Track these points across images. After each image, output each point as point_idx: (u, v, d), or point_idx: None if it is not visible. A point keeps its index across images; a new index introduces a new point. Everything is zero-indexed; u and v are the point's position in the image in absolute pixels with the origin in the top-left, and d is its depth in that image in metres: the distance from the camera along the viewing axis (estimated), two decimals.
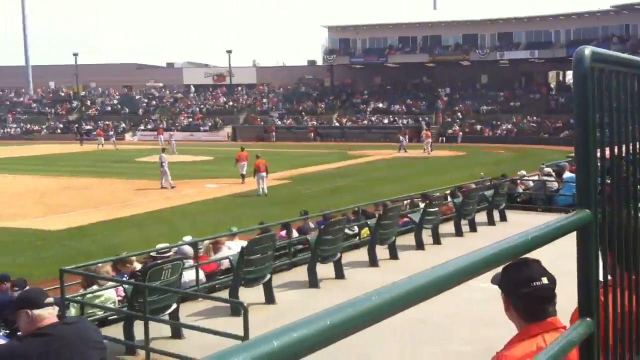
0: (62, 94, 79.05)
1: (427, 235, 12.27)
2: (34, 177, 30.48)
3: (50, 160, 39.67)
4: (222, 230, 15.53)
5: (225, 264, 9.89)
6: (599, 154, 1.96)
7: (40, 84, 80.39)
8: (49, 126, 70.06)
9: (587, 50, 1.85)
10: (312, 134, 60.96)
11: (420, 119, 59.81)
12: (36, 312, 3.42)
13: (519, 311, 2.34)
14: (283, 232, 11.93)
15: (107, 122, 67.48)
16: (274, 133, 61.51)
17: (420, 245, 11.91)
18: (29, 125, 70.43)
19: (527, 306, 2.32)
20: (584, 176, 1.93)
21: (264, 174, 24.55)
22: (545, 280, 2.31)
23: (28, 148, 50.88)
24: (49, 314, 3.46)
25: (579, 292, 1.89)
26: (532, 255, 1.82)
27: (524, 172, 18.17)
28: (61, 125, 69.87)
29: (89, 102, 75.56)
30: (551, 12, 61.77)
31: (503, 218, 14.35)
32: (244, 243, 10.42)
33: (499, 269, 2.18)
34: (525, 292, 2.29)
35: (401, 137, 46.96)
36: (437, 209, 12.81)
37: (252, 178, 25.12)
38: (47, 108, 75.16)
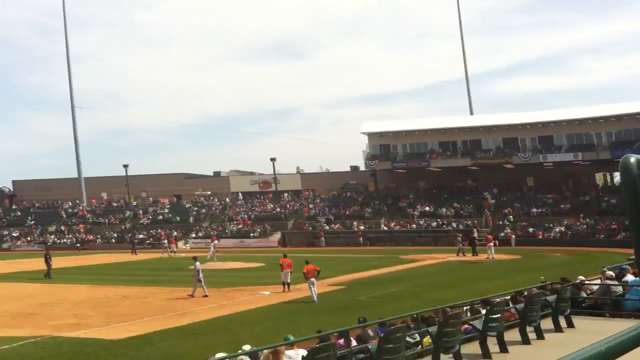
0: (115, 205, 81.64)
1: (492, 344, 12.02)
2: (92, 286, 31.09)
3: (107, 270, 40.53)
4: (279, 338, 15.54)
5: None
6: None
7: (93, 195, 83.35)
8: (103, 236, 71.97)
9: (632, 158, 1.91)
10: (361, 239, 61.09)
11: (470, 222, 59.52)
12: None
13: None
14: (341, 341, 11.85)
15: (159, 230, 69.17)
16: (323, 238, 61.86)
17: (486, 354, 11.62)
18: (84, 236, 72.47)
19: None
20: None
21: (313, 279, 24.45)
22: None
23: (84, 258, 52.13)
24: None
25: None
26: None
27: (582, 278, 17.82)
28: (115, 235, 71.72)
29: (140, 212, 77.69)
30: (590, 114, 61.79)
31: (570, 324, 13.97)
32: (304, 352, 10.43)
33: None
34: None
35: (459, 239, 46.73)
36: (499, 315, 12.58)
37: (302, 285, 25.11)
38: (100, 218, 77.52)
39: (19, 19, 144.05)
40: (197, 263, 26.98)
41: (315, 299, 24.02)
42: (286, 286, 27.06)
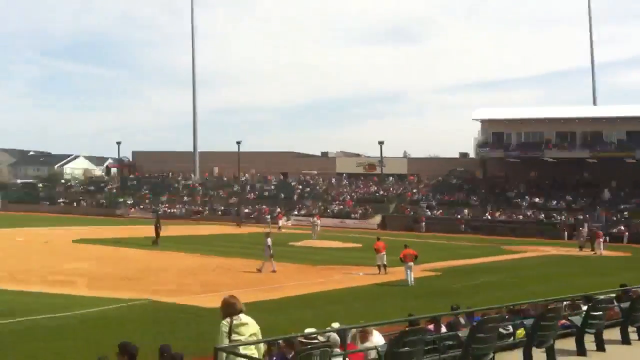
0: (225, 179, 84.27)
1: (589, 341, 11.36)
2: (196, 255, 32.22)
3: (212, 241, 41.79)
4: (367, 318, 15.41)
5: (373, 354, 9.70)
6: None
7: (206, 169, 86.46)
8: (211, 208, 74.60)
9: None
10: (462, 226, 59.80)
11: (581, 216, 56.79)
12: None
13: None
14: (431, 326, 11.58)
15: (264, 206, 70.85)
16: (423, 223, 61.11)
17: (582, 352, 11.00)
18: (193, 207, 75.44)
19: None
20: None
21: (411, 263, 24.10)
22: None
23: (192, 228, 54.18)
24: None
25: None
26: None
27: None
28: (222, 208, 74.14)
29: (248, 187, 79.79)
30: None
31: None
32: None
33: None
34: None
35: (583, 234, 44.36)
36: (601, 312, 11.85)
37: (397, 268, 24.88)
38: (210, 191, 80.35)
39: None
40: (269, 239, 27.31)
41: (411, 283, 23.66)
42: (382, 268, 26.84)
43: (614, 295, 14.82)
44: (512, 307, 13.53)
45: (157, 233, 37.34)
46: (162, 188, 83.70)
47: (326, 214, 65.94)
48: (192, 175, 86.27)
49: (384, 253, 26.88)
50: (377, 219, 65.23)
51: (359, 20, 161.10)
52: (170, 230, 41.92)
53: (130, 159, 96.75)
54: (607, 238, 47.02)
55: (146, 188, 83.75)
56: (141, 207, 76.96)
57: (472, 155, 73.76)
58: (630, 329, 12.27)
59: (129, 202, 78.95)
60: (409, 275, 23.93)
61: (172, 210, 74.56)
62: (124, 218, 70.70)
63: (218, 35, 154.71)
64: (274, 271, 26.42)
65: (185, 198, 78.98)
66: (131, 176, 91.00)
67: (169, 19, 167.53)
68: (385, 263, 26.84)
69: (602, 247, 41.24)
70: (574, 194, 62.63)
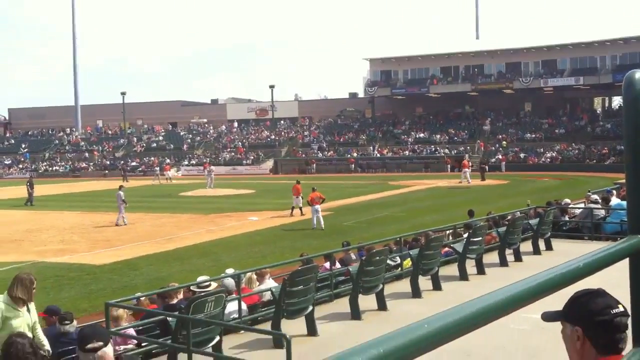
0: (110, 133, 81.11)
1: (470, 266, 12.04)
2: (81, 213, 31.07)
3: (96, 197, 40.42)
4: (263, 262, 15.63)
5: (267, 296, 9.86)
6: None
7: (89, 123, 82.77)
8: (95, 163, 71.82)
9: (638, 74, 1.83)
10: (352, 165, 61.11)
11: (462, 148, 59.43)
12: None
13: (597, 343, 2.02)
14: (327, 264, 11.87)
15: (152, 158, 68.99)
16: (314, 165, 61.86)
17: (464, 276, 11.68)
18: (76, 163, 72.29)
19: (606, 336, 2.01)
20: (636, 201, 1.86)
21: (318, 207, 24.11)
22: (621, 307, 2.03)
23: (75, 185, 52.13)
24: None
25: (633, 319, 1.84)
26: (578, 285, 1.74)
27: (568, 201, 17.80)
28: (108, 163, 71.55)
29: (135, 140, 77.30)
30: (596, 38, 60.68)
31: (549, 247, 14.02)
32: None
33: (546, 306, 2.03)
34: (606, 320, 1.99)
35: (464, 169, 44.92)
36: (480, 238, 12.56)
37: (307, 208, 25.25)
38: (94, 146, 77.18)
39: None
40: (120, 192, 26.69)
41: (317, 225, 23.56)
42: (299, 210, 26.95)
43: (492, 221, 15.73)
44: (399, 239, 14.06)
45: (29, 192, 35.65)
46: (42, 145, 79.54)
47: (217, 162, 65.28)
48: (74, 130, 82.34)
49: (301, 196, 26.89)
50: (270, 164, 65.33)
51: None
52: (53, 188, 39.95)
53: (6, 117, 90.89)
54: (487, 168, 49.50)
55: (25, 147, 79.28)
56: (20, 166, 72.92)
57: (361, 95, 74.93)
58: (508, 251, 13.11)
59: (6, 162, 74.51)
60: (315, 218, 23.99)
61: (54, 168, 71.15)
62: (1, 179, 66.72)
63: None
64: (124, 224, 25.82)
65: (68, 155, 75.56)
66: (7, 135, 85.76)
67: None
68: (301, 205, 26.89)
69: (468, 176, 42.93)
70: (456, 128, 65.31)
